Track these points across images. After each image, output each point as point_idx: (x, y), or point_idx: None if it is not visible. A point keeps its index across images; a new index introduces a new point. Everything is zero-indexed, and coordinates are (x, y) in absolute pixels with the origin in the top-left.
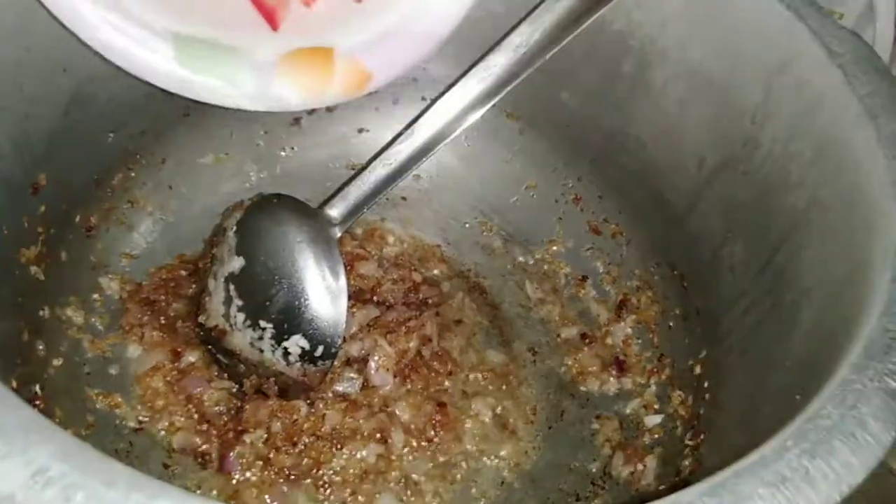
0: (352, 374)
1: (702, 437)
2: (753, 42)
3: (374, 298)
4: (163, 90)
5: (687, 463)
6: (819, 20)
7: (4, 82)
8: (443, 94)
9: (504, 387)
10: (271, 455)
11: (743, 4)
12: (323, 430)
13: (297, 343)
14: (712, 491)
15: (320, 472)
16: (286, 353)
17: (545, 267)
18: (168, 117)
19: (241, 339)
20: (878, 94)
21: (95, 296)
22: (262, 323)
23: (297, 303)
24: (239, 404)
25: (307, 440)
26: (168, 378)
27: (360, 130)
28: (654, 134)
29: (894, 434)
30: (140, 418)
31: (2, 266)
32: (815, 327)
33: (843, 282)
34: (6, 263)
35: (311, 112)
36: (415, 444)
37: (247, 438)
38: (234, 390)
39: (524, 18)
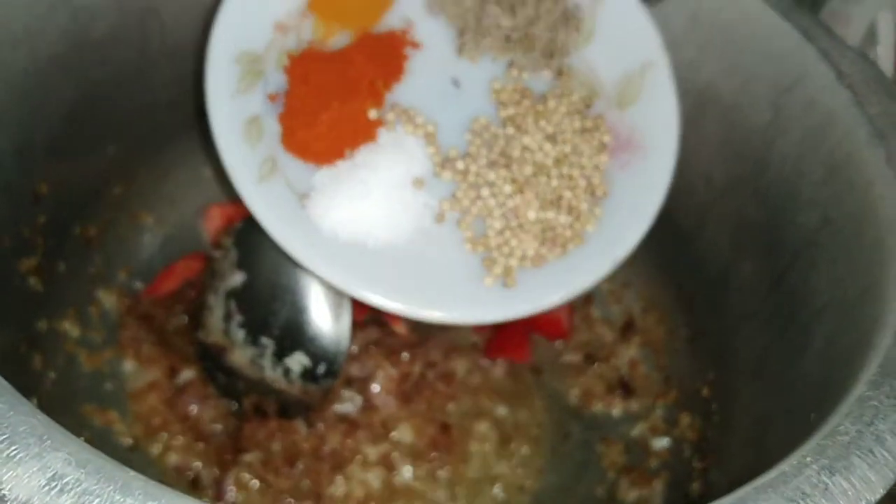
0: (352, 394)
1: (710, 460)
2: (762, 62)
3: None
4: (166, 102)
5: (695, 486)
6: (828, 41)
7: (10, 90)
8: None
9: (508, 409)
10: (270, 477)
11: (751, 25)
12: (323, 451)
13: (298, 360)
14: None
15: (321, 496)
16: (287, 371)
17: None
18: (170, 129)
19: (241, 355)
20: (888, 114)
21: (92, 309)
22: (264, 339)
23: (299, 319)
24: (237, 423)
25: (307, 461)
26: (165, 395)
27: None
28: None
29: None
30: (135, 436)
31: (1, 276)
32: (827, 348)
33: (856, 301)
34: (6, 274)
35: None
36: (418, 466)
37: (245, 459)
38: (233, 409)
39: None
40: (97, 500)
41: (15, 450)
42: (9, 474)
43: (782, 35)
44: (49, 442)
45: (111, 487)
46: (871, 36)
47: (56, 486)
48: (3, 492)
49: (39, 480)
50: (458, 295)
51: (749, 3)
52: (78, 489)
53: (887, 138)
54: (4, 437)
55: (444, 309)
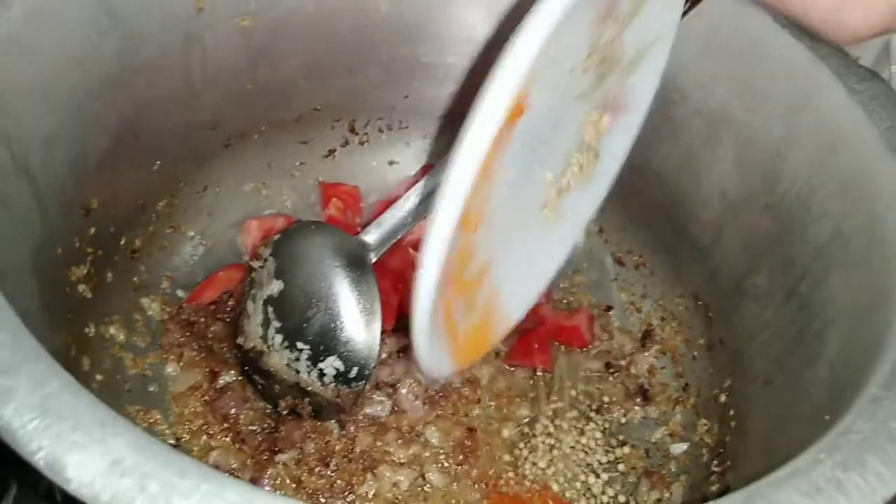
0: (381, 398)
1: (728, 463)
2: (774, 81)
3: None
4: (207, 122)
5: (713, 490)
6: (839, 59)
7: (69, 109)
8: None
9: (531, 414)
10: (304, 476)
11: (764, 46)
12: (354, 452)
13: (332, 364)
14: (749, 499)
15: (352, 495)
16: (321, 374)
17: (570, 297)
18: (210, 147)
19: (277, 359)
20: None
21: (137, 316)
22: (300, 344)
23: (333, 325)
24: (273, 425)
25: (339, 462)
26: (205, 398)
27: (391, 162)
28: (676, 168)
29: None
30: (177, 436)
31: (55, 283)
32: (840, 354)
33: (867, 309)
34: (59, 281)
35: (345, 145)
36: (445, 468)
37: (280, 459)
38: (269, 411)
39: None
40: (156, 482)
41: (79, 436)
42: (74, 458)
43: (794, 55)
44: (111, 429)
45: (169, 471)
46: (885, 55)
47: (117, 469)
48: (68, 474)
49: (102, 464)
50: None
51: (762, 24)
52: (138, 472)
53: None
54: (69, 423)
55: None
